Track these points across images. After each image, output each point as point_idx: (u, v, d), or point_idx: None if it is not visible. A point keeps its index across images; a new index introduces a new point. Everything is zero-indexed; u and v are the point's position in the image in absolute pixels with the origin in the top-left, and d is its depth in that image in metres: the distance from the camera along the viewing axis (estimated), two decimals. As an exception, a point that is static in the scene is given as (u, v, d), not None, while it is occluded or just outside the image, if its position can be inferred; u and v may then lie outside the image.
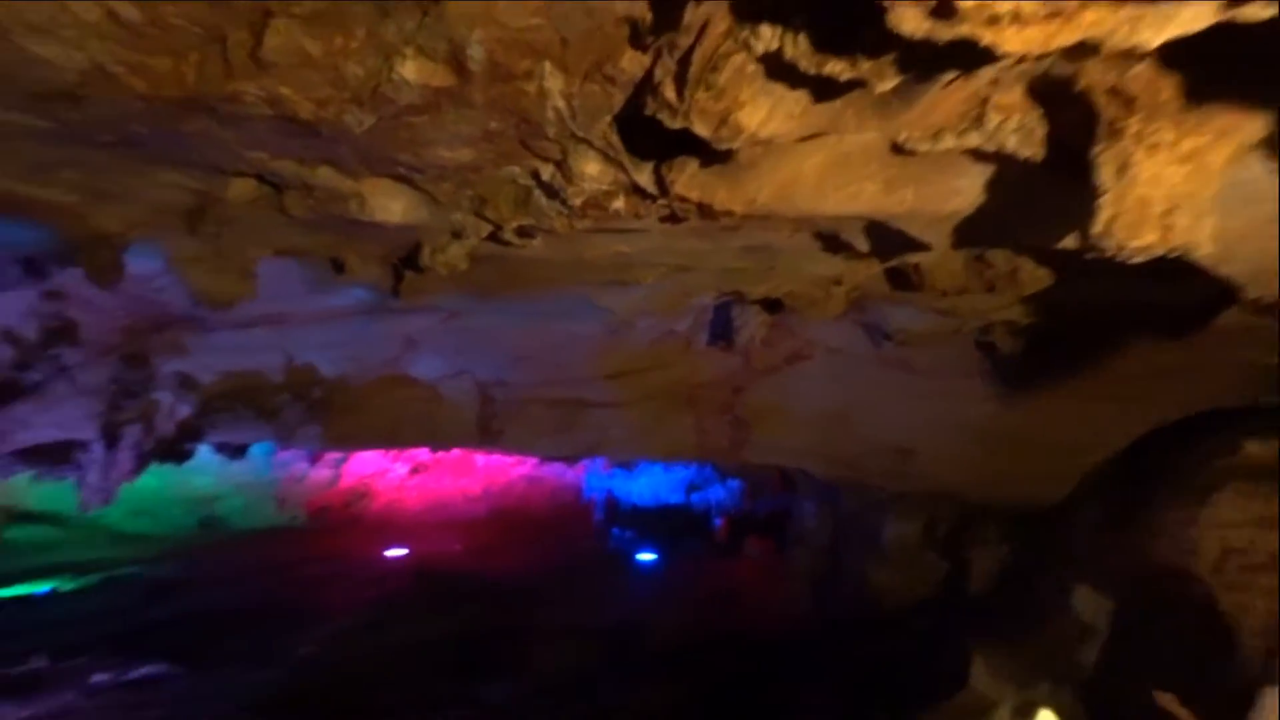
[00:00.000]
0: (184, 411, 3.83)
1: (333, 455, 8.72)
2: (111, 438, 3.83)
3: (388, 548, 8.48)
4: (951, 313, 3.23)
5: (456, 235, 1.88)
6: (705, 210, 1.32)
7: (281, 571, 7.71)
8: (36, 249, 2.53)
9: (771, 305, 3.58)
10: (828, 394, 4.48)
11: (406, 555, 8.38)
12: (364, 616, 6.49)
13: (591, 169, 1.26)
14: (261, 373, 3.68)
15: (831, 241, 1.94)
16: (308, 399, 3.83)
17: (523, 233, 1.67)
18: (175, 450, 4.17)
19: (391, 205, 1.78)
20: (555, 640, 6.04)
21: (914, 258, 2.13)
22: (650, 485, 9.35)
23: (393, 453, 9.02)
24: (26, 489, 7.97)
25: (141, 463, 4.32)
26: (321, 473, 8.89)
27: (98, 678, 5.18)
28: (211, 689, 5.17)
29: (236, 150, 1.44)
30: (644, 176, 1.27)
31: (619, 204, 1.40)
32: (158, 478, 8.83)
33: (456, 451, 9.29)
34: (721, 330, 4.38)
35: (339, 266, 2.71)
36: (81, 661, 5.31)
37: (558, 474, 9.96)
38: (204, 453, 8.59)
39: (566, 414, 4.64)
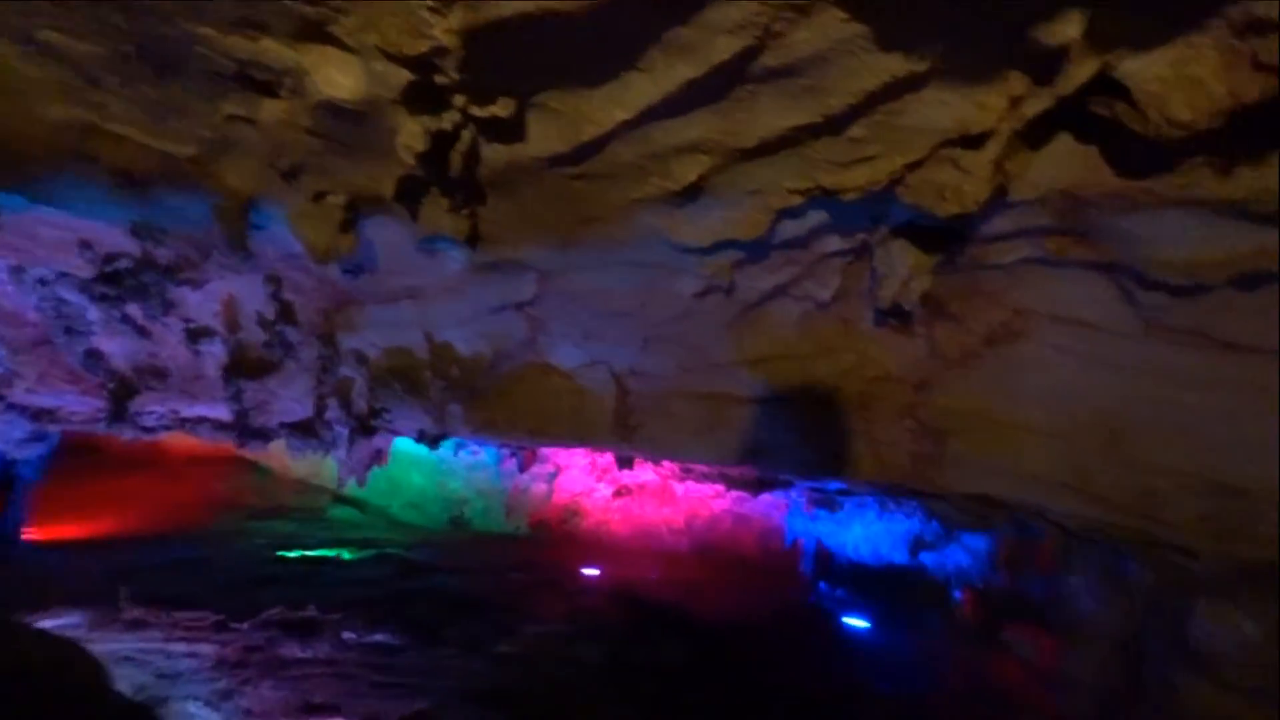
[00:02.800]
0: (365, 388, 4.35)
1: (545, 470, 9.33)
2: (319, 410, 4.53)
3: (592, 566, 8.63)
4: (1263, 211, 1.85)
5: (402, 106, 1.65)
6: None
7: (500, 572, 8.40)
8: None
9: (931, 237, 2.56)
10: (1073, 390, 3.03)
11: (605, 576, 8.41)
12: (562, 628, 6.76)
13: None
14: (411, 350, 3.98)
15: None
16: (448, 377, 4.01)
17: (430, 69, 1.35)
18: (368, 428, 4.75)
19: (336, 78, 1.65)
20: (756, 697, 5.59)
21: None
22: (866, 536, 7.81)
23: (596, 472, 9.27)
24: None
25: (354, 437, 5.04)
26: (538, 486, 9.56)
27: (347, 634, 6.15)
28: (430, 666, 5.79)
29: (189, 30, 1.46)
30: None
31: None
32: (425, 478, 10.61)
33: (654, 477, 9.16)
34: (892, 305, 3.36)
35: (413, 213, 2.73)
36: (337, 618, 6.36)
37: (764, 513, 9.07)
38: (454, 459, 10.03)
39: (708, 410, 4.02)
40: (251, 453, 9.83)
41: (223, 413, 5.23)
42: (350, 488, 10.53)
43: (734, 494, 8.69)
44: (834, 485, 6.91)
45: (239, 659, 5.39)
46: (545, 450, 8.74)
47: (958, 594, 7.43)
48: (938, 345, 3.35)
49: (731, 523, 9.38)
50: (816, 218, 2.41)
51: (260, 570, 7.35)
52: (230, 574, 7.09)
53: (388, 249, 3.23)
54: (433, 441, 5.73)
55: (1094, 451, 2.97)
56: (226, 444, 6.81)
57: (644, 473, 9.06)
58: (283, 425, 5.39)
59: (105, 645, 5.01)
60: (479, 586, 7.68)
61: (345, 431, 4.94)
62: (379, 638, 6.25)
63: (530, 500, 9.92)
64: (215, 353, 4.65)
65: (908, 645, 7.31)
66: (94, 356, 4.76)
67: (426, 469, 10.25)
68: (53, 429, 6.06)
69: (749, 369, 3.74)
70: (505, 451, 8.42)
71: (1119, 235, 2.25)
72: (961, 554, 7.49)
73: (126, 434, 5.68)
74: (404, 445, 9.83)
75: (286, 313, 4.07)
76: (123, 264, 3.96)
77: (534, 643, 6.40)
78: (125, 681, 4.54)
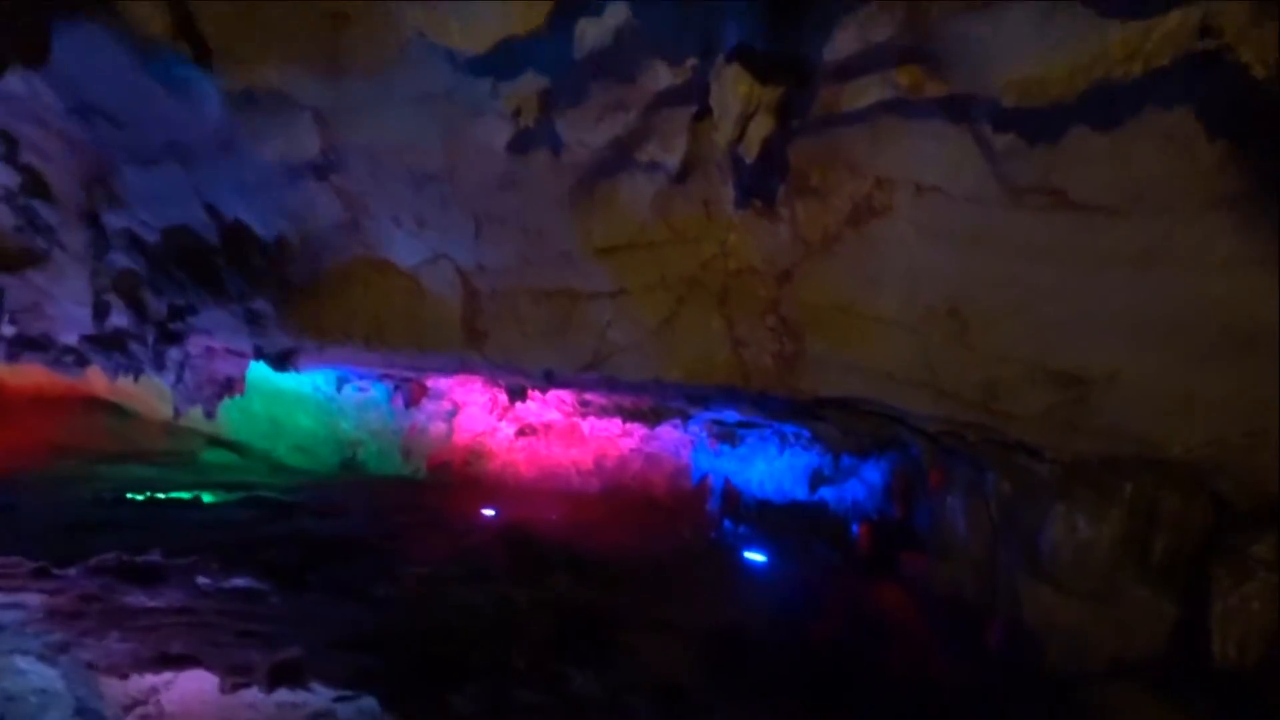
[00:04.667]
0: (149, 282, 3.64)
1: (442, 408, 8.76)
2: (100, 311, 3.78)
3: (493, 509, 8.23)
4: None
5: None
6: None
7: (387, 515, 7.87)
8: None
9: (770, 67, 2.14)
10: (924, 274, 2.74)
11: (503, 518, 8.03)
12: (449, 569, 6.34)
13: None
14: (194, 231, 3.31)
15: None
16: (248, 267, 3.38)
17: None
18: (169, 335, 4.05)
19: None
20: (644, 632, 5.47)
21: None
22: (770, 472, 7.70)
23: (498, 410, 8.78)
24: (223, 421, 9.47)
25: (159, 347, 4.31)
26: (437, 426, 8.99)
27: (202, 580, 5.49)
28: (299, 613, 5.24)
29: None
30: None
31: None
32: (313, 419, 9.83)
33: (559, 416, 8.76)
34: (751, 183, 2.98)
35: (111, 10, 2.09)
36: (189, 561, 5.67)
37: (673, 452, 8.85)
38: (342, 397, 9.31)
39: (557, 310, 3.57)
40: (105, 389, 8.78)
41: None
42: (228, 430, 9.68)
43: (641, 432, 8.40)
44: (732, 417, 6.69)
45: (74, 609, 4.73)
46: (437, 384, 8.16)
47: (855, 527, 7.47)
48: (800, 227, 2.98)
49: (641, 463, 9.12)
50: (618, 15, 1.94)
51: (94, 514, 6.52)
52: (54, 519, 6.25)
53: (112, 77, 2.53)
54: (276, 361, 5.06)
55: (942, 341, 2.70)
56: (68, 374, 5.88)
57: (548, 410, 8.63)
58: (84, 339, 4.59)
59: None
60: (358, 529, 7.16)
61: (151, 339, 4.21)
62: (239, 583, 5.66)
63: (429, 441, 9.33)
64: (-33, 244, 3.80)
65: (802, 578, 7.31)
66: None
67: (314, 409, 9.47)
68: None
69: (599, 259, 3.30)
70: (390, 384, 7.78)
71: (967, 51, 1.89)
72: (859, 488, 7.50)
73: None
74: (288, 383, 8.99)
75: (36, 184, 3.28)
76: None
77: (413, 586, 6.00)
78: (-68, 639, 3.87)
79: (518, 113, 2.25)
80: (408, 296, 3.85)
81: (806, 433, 6.73)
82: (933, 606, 5.28)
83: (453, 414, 8.80)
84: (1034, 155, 2.15)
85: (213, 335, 4.19)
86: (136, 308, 3.72)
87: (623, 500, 9.07)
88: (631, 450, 9.09)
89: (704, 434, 7.64)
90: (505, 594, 5.96)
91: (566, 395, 7.82)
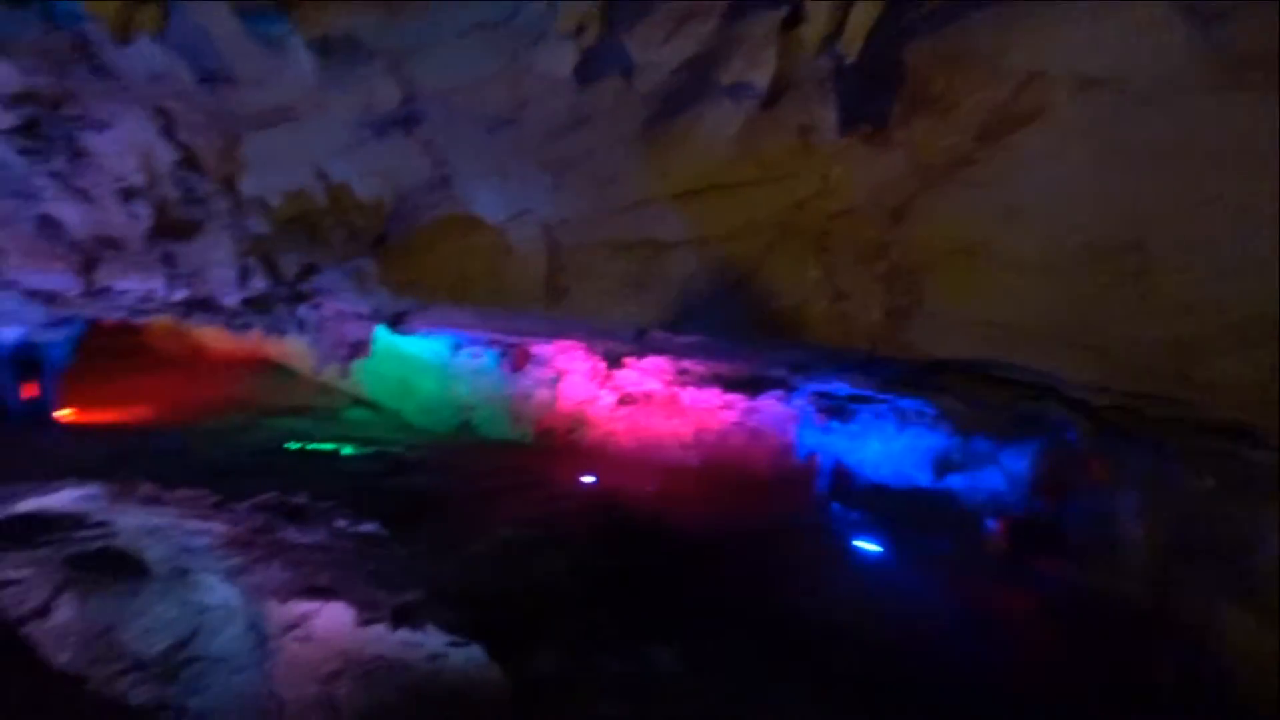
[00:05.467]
0: (278, 246, 3.85)
1: (546, 375, 8.89)
2: (244, 274, 4.09)
3: (592, 476, 8.28)
4: None
5: None
6: None
7: (494, 476, 8.19)
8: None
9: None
10: (1085, 199, 2.11)
11: (597, 485, 8.04)
12: (544, 533, 6.50)
13: None
14: (308, 194, 3.43)
15: None
16: (352, 226, 3.45)
17: None
18: (298, 294, 4.31)
19: None
20: (736, 616, 5.24)
21: None
22: (887, 453, 6.95)
23: (598, 379, 8.75)
24: (361, 383, 10.53)
25: (290, 305, 4.62)
26: (541, 393, 9.17)
27: (339, 522, 6.07)
28: (412, 561, 5.64)
29: None
30: None
31: None
32: (436, 383, 10.50)
33: (659, 385, 8.56)
34: (858, 101, 2.51)
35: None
36: (329, 506, 6.27)
37: (777, 427, 8.33)
38: (457, 362, 9.79)
39: (637, 262, 3.30)
40: (275, 352, 10.03)
41: (174, 287, 4.92)
42: (368, 391, 10.66)
43: (742, 404, 7.97)
44: (841, 388, 6.08)
45: (247, 539, 5.43)
46: (540, 351, 8.27)
47: (990, 523, 6.57)
48: (919, 151, 2.45)
49: (743, 436, 8.71)
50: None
51: (259, 459, 7.44)
52: (224, 461, 7.19)
53: (224, 41, 2.61)
54: (391, 323, 5.30)
55: (1108, 286, 2.07)
56: (246, 338, 6.60)
57: (647, 379, 8.47)
58: (242, 301, 5.06)
59: (130, 518, 5.13)
60: (467, 488, 7.50)
61: (286, 299, 4.53)
62: (368, 528, 6.19)
63: (534, 407, 9.59)
64: (144, 214, 4.31)
65: (920, 575, 6.55)
66: (50, 225, 4.55)
67: (435, 373, 10.14)
68: (63, 312, 6.10)
69: (677, 205, 2.96)
70: (498, 350, 7.99)
71: None
72: (997, 476, 6.57)
73: (113, 315, 5.61)
74: (413, 349, 9.61)
75: (190, 158, 3.57)
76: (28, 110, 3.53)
77: (509, 547, 6.20)
78: (154, 551, 4.65)
79: (579, 30, 1.97)
80: (493, 253, 3.77)
81: (930, 409, 5.96)
82: (1084, 623, 4.44)
83: (556, 381, 8.91)
84: (1262, 11, 1.51)
85: (335, 296, 4.41)
86: (271, 270, 4.00)
87: (722, 475, 8.73)
88: (733, 424, 8.69)
89: (810, 407, 7.05)
90: (596, 562, 5.91)
91: (664, 363, 7.58)
